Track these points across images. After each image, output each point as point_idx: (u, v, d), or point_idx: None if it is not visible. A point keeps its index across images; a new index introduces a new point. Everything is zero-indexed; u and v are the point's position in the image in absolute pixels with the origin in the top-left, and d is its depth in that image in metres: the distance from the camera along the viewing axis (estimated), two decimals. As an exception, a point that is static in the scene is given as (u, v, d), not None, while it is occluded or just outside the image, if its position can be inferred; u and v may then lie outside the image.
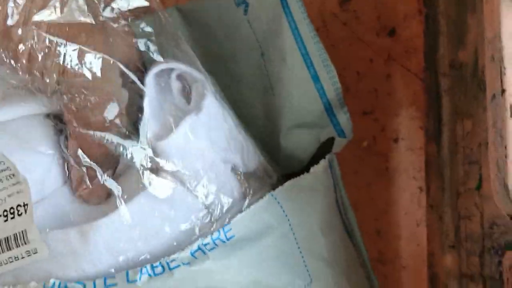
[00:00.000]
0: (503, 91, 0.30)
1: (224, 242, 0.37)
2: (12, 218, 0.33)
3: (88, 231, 0.35)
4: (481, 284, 0.41)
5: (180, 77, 0.38)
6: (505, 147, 0.30)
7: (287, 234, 0.39)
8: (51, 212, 0.36)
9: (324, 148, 0.45)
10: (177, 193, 0.36)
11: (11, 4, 0.33)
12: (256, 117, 0.46)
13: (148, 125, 0.36)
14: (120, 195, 0.35)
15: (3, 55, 0.34)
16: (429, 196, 0.53)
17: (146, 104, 0.36)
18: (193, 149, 0.37)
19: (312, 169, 0.42)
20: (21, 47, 0.33)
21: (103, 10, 0.35)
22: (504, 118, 0.30)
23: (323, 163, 0.42)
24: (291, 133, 0.45)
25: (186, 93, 0.39)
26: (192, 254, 0.36)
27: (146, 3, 0.36)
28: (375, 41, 0.55)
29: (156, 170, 0.36)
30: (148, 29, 0.37)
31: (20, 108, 0.35)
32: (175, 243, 0.36)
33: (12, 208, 0.33)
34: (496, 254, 0.39)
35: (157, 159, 0.36)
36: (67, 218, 0.36)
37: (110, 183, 0.35)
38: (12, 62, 0.34)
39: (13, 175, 0.34)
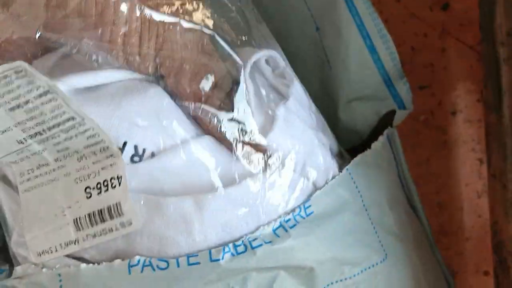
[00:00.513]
0: None
1: (304, 218, 0.37)
2: (106, 190, 0.33)
3: (204, 202, 0.35)
4: (549, 248, 0.41)
5: (267, 61, 0.39)
6: None
7: (361, 209, 0.39)
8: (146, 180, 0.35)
9: (385, 121, 0.45)
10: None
11: None
12: (314, 92, 0.46)
13: (253, 117, 0.36)
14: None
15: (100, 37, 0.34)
16: (490, 166, 0.53)
17: (251, 94, 0.36)
18: (292, 134, 0.37)
19: (373, 145, 0.42)
20: (117, 27, 0.34)
21: None
22: None
23: (381, 139, 0.42)
24: (350, 107, 0.45)
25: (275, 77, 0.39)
26: (274, 232, 0.36)
27: None
28: (429, 15, 0.55)
29: (250, 144, 0.36)
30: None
31: (116, 73, 0.35)
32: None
33: (106, 180, 0.33)
34: None
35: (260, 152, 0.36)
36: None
37: None
38: (109, 44, 0.34)
39: (107, 147, 0.34)
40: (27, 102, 0.32)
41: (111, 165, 0.34)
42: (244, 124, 0.36)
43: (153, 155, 0.35)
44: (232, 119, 0.36)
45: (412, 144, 0.55)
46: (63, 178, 0.34)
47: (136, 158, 0.35)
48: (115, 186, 0.33)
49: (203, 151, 0.35)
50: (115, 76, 0.35)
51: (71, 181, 0.34)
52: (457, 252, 0.54)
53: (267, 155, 0.36)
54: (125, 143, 0.34)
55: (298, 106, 0.39)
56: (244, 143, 0.36)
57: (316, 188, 0.38)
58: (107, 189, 0.33)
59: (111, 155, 0.34)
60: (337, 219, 0.38)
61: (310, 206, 0.37)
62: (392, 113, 0.45)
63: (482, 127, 0.55)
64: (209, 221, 0.35)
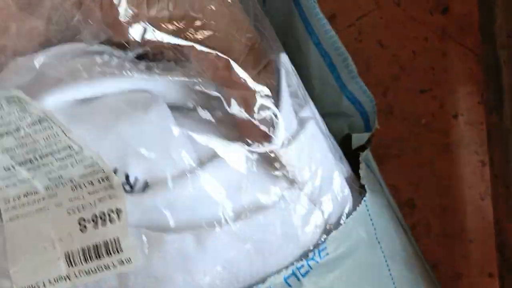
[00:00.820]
0: None
1: (317, 262, 0.35)
2: (103, 224, 0.31)
3: (206, 238, 0.32)
4: (554, 247, 0.42)
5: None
6: None
7: (374, 244, 0.38)
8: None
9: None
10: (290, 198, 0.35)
11: None
12: None
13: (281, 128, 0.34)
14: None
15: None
16: (493, 167, 0.53)
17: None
18: (313, 157, 0.36)
19: (360, 172, 0.40)
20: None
21: None
22: None
23: (362, 165, 0.40)
24: (326, 122, 0.43)
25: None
26: (286, 281, 0.34)
27: None
28: (429, 19, 0.56)
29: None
30: None
31: (117, 82, 0.33)
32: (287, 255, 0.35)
33: (103, 213, 0.31)
34: None
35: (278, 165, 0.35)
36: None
37: None
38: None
39: (107, 177, 0.31)
40: (17, 129, 0.31)
41: (109, 196, 0.31)
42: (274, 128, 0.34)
43: (146, 185, 0.32)
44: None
45: (414, 147, 0.55)
46: (54, 208, 0.32)
47: (127, 188, 0.32)
48: (113, 220, 0.31)
49: (212, 182, 0.33)
50: (114, 85, 0.33)
51: (63, 211, 0.32)
52: (461, 254, 0.54)
53: (284, 182, 0.35)
54: (115, 170, 0.32)
55: (317, 128, 0.37)
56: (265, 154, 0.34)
57: (328, 222, 0.36)
58: (105, 223, 0.31)
59: (110, 186, 0.31)
60: (352, 258, 0.36)
61: (325, 248, 0.35)
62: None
63: (484, 129, 0.55)
64: (210, 259, 0.33)
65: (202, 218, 0.33)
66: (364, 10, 0.55)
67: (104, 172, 0.31)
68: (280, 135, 0.34)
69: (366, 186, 0.39)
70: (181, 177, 0.32)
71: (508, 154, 0.48)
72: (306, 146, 0.35)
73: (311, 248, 0.35)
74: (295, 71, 0.39)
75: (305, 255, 0.35)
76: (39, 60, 0.32)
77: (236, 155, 0.34)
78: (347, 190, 0.37)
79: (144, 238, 0.32)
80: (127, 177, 0.32)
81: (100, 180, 0.31)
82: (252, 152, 0.34)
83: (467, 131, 0.55)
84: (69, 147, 0.31)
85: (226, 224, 0.33)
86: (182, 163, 0.33)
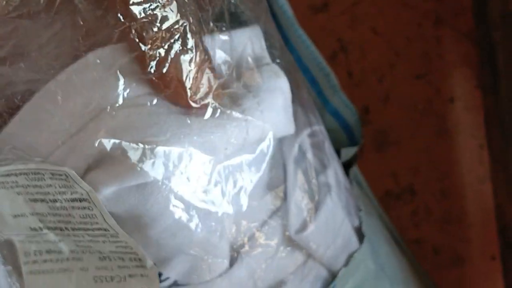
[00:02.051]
0: None
1: None
2: None
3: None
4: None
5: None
6: None
7: (380, 273, 0.38)
8: None
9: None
10: (307, 265, 0.35)
11: None
12: None
13: (290, 216, 0.33)
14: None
15: None
16: (491, 150, 0.53)
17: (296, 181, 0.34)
18: (331, 224, 0.35)
19: (357, 191, 0.40)
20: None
21: None
22: None
23: (356, 182, 0.40)
24: None
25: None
26: None
27: None
28: (422, 5, 0.56)
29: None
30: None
31: None
32: None
33: None
34: None
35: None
36: None
37: None
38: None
39: (139, 259, 0.29)
40: (55, 200, 0.29)
41: (141, 275, 0.29)
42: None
43: (176, 284, 0.32)
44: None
45: (412, 133, 0.55)
46: (79, 271, 0.29)
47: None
48: None
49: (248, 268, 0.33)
50: None
51: (89, 277, 0.29)
52: (462, 239, 0.54)
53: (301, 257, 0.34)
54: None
55: (338, 191, 0.36)
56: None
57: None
58: None
59: (143, 266, 0.29)
60: None
61: (335, 286, 0.35)
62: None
63: (481, 113, 0.55)
64: None
65: None
66: (356, -2, 0.56)
67: (137, 254, 0.29)
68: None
69: (362, 212, 0.38)
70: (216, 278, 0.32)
71: (506, 136, 0.48)
72: (324, 225, 0.35)
73: None
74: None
75: None
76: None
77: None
78: (354, 239, 0.37)
79: None
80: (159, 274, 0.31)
81: (132, 259, 0.29)
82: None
83: (464, 115, 0.55)
84: (105, 229, 0.29)
85: None
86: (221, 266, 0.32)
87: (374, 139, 0.55)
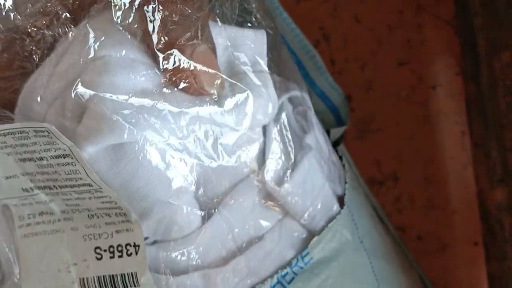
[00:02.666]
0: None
1: (302, 268, 0.35)
2: (119, 256, 0.30)
3: (211, 275, 0.33)
4: (534, 210, 0.42)
5: (290, 100, 0.38)
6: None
7: (358, 245, 0.38)
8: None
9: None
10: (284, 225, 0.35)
11: None
12: None
13: (267, 173, 0.34)
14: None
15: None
16: (473, 136, 0.53)
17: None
18: (309, 185, 0.36)
19: (346, 167, 0.40)
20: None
21: None
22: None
23: (345, 158, 0.41)
24: None
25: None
26: None
27: None
28: (404, -7, 0.56)
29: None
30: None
31: None
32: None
33: (120, 245, 0.30)
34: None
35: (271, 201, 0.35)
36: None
37: None
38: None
39: (124, 214, 0.31)
40: (41, 158, 0.30)
41: (127, 230, 0.30)
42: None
43: (155, 242, 0.33)
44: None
45: (396, 120, 0.55)
46: (70, 231, 0.31)
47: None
48: (131, 254, 0.30)
49: (225, 223, 0.34)
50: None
51: (78, 236, 0.31)
52: (446, 225, 0.55)
53: (280, 213, 0.35)
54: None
55: (319, 156, 0.37)
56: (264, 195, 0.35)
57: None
58: (121, 255, 0.30)
59: (128, 221, 0.31)
60: (338, 261, 0.36)
61: (308, 253, 0.35)
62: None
63: (463, 100, 0.55)
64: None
65: (211, 257, 0.34)
66: (338, -14, 0.56)
67: (121, 209, 0.31)
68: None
69: (347, 185, 0.39)
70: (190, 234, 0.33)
71: (487, 121, 0.49)
72: (301, 184, 0.35)
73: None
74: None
75: (288, 263, 0.35)
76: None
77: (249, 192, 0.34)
78: (335, 206, 0.38)
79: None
80: None
81: (118, 214, 0.31)
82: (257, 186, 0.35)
83: (447, 102, 0.55)
84: (89, 185, 0.31)
85: (232, 260, 0.34)
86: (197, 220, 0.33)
87: (357, 126, 0.55)
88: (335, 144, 0.42)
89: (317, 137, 0.38)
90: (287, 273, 0.35)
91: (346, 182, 0.39)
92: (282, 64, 0.38)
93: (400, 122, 0.55)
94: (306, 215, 0.36)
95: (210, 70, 0.32)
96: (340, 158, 0.41)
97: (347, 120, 0.44)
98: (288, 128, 0.36)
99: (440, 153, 0.55)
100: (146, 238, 0.33)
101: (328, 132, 0.42)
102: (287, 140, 0.36)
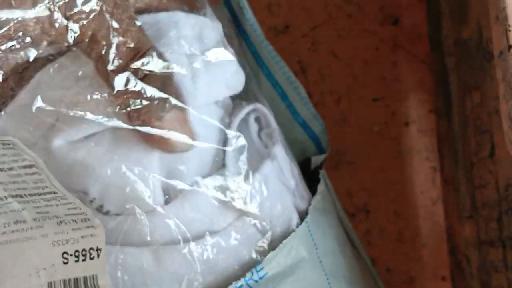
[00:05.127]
0: (509, 47, 0.32)
1: (256, 282, 0.36)
2: (83, 260, 0.33)
3: (162, 254, 0.35)
4: (500, 247, 0.43)
5: (257, 118, 0.40)
6: (516, 99, 0.32)
7: (316, 264, 0.39)
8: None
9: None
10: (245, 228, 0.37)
11: None
12: None
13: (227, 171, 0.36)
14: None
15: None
16: (443, 172, 0.55)
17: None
18: (267, 196, 0.37)
19: (319, 189, 0.41)
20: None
21: None
22: (512, 71, 0.32)
23: (322, 181, 0.42)
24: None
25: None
26: None
27: None
28: (380, 30, 0.57)
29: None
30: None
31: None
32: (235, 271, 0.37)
33: (84, 250, 0.33)
34: (514, 214, 0.40)
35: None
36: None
37: None
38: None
39: (88, 219, 0.33)
40: (11, 168, 0.33)
41: (91, 235, 0.33)
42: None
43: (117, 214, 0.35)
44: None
45: (368, 154, 0.56)
46: (41, 238, 0.33)
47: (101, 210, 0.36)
48: (93, 257, 0.33)
49: (176, 215, 0.35)
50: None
51: (48, 243, 0.33)
52: (415, 258, 0.56)
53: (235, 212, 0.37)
54: (94, 198, 0.35)
55: (279, 169, 0.39)
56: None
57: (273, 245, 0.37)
58: (85, 259, 0.33)
59: (92, 226, 0.33)
60: (293, 278, 0.37)
61: (262, 268, 0.36)
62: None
63: (435, 136, 0.56)
64: (168, 277, 0.35)
65: (160, 238, 0.35)
66: (317, 21, 0.57)
67: (86, 214, 0.33)
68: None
69: (312, 206, 0.40)
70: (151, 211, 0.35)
71: (457, 159, 0.50)
72: (258, 188, 0.37)
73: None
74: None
75: (243, 275, 0.36)
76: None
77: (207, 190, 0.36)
78: (295, 220, 0.39)
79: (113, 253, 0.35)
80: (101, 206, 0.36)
81: (83, 220, 0.33)
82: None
83: (419, 138, 0.57)
84: (54, 192, 0.33)
85: (182, 245, 0.35)
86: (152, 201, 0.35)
87: (331, 158, 0.56)
88: (317, 169, 0.44)
89: (282, 151, 0.39)
90: (241, 285, 0.35)
91: (310, 204, 0.40)
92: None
93: (373, 156, 0.57)
94: (264, 221, 0.37)
95: (182, 133, 0.34)
96: (318, 180, 0.42)
97: (327, 149, 0.45)
98: (254, 132, 0.39)
99: (411, 188, 0.56)
100: (92, 200, 0.35)
101: (309, 159, 0.44)
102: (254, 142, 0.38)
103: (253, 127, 0.39)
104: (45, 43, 0.33)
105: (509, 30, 0.32)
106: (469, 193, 0.48)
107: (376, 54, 0.57)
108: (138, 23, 0.34)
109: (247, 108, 0.39)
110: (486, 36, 0.42)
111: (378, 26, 0.57)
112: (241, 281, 0.35)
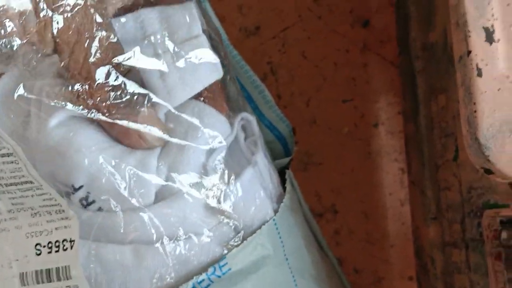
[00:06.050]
0: (469, 52, 0.32)
1: (219, 277, 0.36)
2: (56, 251, 0.33)
3: (136, 248, 0.35)
4: (463, 248, 0.43)
5: (243, 126, 0.40)
6: (474, 104, 0.32)
7: (281, 260, 0.39)
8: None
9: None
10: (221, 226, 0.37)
11: None
12: None
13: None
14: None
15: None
16: (410, 174, 0.55)
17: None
18: (242, 196, 0.38)
19: (287, 188, 0.42)
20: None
21: None
22: (471, 77, 0.32)
23: (288, 181, 0.43)
24: None
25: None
26: None
27: None
28: (350, 32, 0.58)
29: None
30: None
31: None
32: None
33: (57, 241, 0.33)
34: (476, 216, 0.41)
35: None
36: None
37: None
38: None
39: (63, 210, 0.34)
40: None
41: (65, 227, 0.34)
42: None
43: (100, 209, 0.35)
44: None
45: (337, 155, 0.57)
46: (14, 230, 0.34)
47: (83, 202, 0.35)
48: (66, 249, 0.33)
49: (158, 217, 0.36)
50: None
51: (22, 234, 0.34)
52: (383, 259, 0.56)
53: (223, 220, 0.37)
54: (81, 187, 0.35)
55: (259, 174, 0.39)
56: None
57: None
58: (58, 250, 0.33)
59: (67, 218, 0.34)
60: (257, 274, 0.38)
61: (226, 263, 0.36)
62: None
63: (403, 138, 0.57)
64: (139, 269, 0.35)
65: (134, 231, 0.35)
66: (287, 23, 0.57)
67: (61, 206, 0.33)
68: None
69: (283, 204, 0.40)
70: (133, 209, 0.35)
71: (423, 161, 0.50)
72: (243, 198, 0.38)
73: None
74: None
75: (205, 270, 0.36)
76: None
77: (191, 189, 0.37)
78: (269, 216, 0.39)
79: (87, 250, 0.34)
80: (87, 196, 0.35)
81: (57, 212, 0.34)
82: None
83: (388, 139, 0.57)
84: (31, 182, 0.33)
85: (155, 239, 0.35)
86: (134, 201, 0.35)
87: (300, 159, 0.56)
88: (283, 169, 0.44)
89: (263, 157, 0.40)
90: (203, 279, 0.36)
91: (282, 202, 0.41)
92: (234, 98, 0.40)
93: (341, 157, 0.57)
94: (236, 216, 0.37)
95: (156, 129, 0.35)
96: (285, 180, 0.42)
97: (293, 151, 0.46)
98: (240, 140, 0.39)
99: (380, 189, 0.57)
100: (80, 188, 0.35)
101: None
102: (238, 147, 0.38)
103: (241, 135, 0.40)
104: (27, 37, 0.34)
105: (469, 36, 0.32)
106: (435, 195, 0.48)
107: (346, 56, 0.58)
108: (123, 19, 0.34)
109: (239, 117, 0.39)
110: (451, 41, 0.42)
111: (348, 28, 0.58)
112: (203, 275, 0.36)
